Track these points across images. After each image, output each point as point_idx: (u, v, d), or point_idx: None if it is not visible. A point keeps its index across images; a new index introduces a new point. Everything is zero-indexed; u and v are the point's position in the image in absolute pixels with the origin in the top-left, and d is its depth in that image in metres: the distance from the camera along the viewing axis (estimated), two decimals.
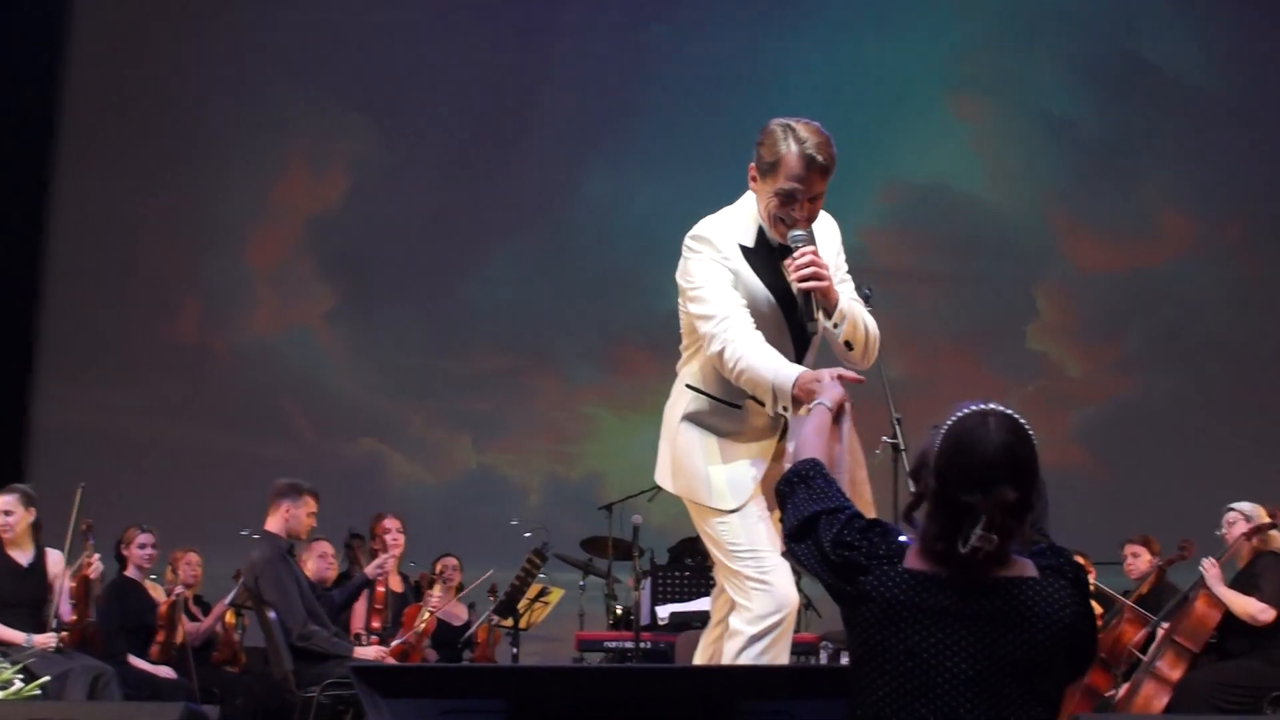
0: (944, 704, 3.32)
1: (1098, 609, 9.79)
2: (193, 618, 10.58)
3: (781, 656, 5.05)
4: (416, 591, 10.65)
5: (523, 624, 10.44)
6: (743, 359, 4.95)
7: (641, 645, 9.87)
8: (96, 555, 9.08)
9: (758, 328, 5.03)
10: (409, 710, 3.99)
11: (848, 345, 5.13)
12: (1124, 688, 8.84)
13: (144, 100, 15.55)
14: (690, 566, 10.70)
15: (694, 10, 15.60)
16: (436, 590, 10.10)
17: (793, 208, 4.97)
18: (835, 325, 5.04)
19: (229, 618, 10.61)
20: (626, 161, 15.36)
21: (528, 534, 10.80)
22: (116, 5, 15.83)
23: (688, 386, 5.51)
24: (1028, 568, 3.43)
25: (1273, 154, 14.79)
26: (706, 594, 8.88)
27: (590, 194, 15.40)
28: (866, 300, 5.99)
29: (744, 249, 5.17)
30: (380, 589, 9.84)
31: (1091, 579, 10.04)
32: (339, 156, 15.47)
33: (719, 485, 5.24)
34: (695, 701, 4.03)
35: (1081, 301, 14.96)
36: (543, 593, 10.63)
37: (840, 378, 4.58)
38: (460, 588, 11.37)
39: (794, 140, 4.94)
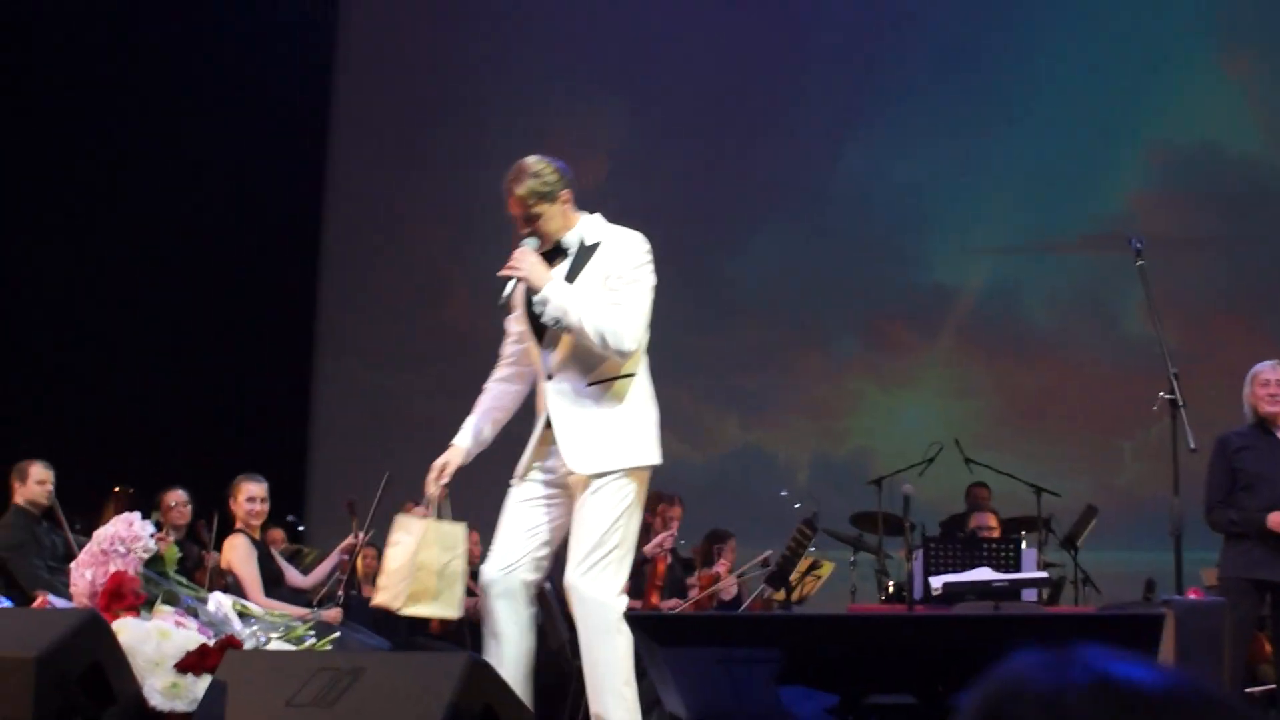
0: None
1: None
2: (471, 594, 10.78)
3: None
4: (686, 566, 10.71)
5: (794, 597, 10.41)
6: None
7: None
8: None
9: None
10: (685, 658, 4.01)
11: (559, 325, 5.81)
12: None
13: (409, 93, 15.94)
14: (963, 538, 10.58)
15: None
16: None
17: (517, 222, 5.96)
18: (540, 311, 5.82)
19: None
20: (885, 133, 15.24)
21: (797, 505, 10.81)
22: (382, 3, 16.24)
23: None
24: None
25: None
26: (981, 564, 8.78)
27: (850, 167, 15.32)
28: (1137, 254, 7.29)
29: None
30: (660, 566, 9.93)
31: None
32: (598, 140, 15.62)
33: None
34: (968, 647, 4.00)
35: None
36: (814, 566, 10.57)
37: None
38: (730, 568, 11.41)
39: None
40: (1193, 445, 7.35)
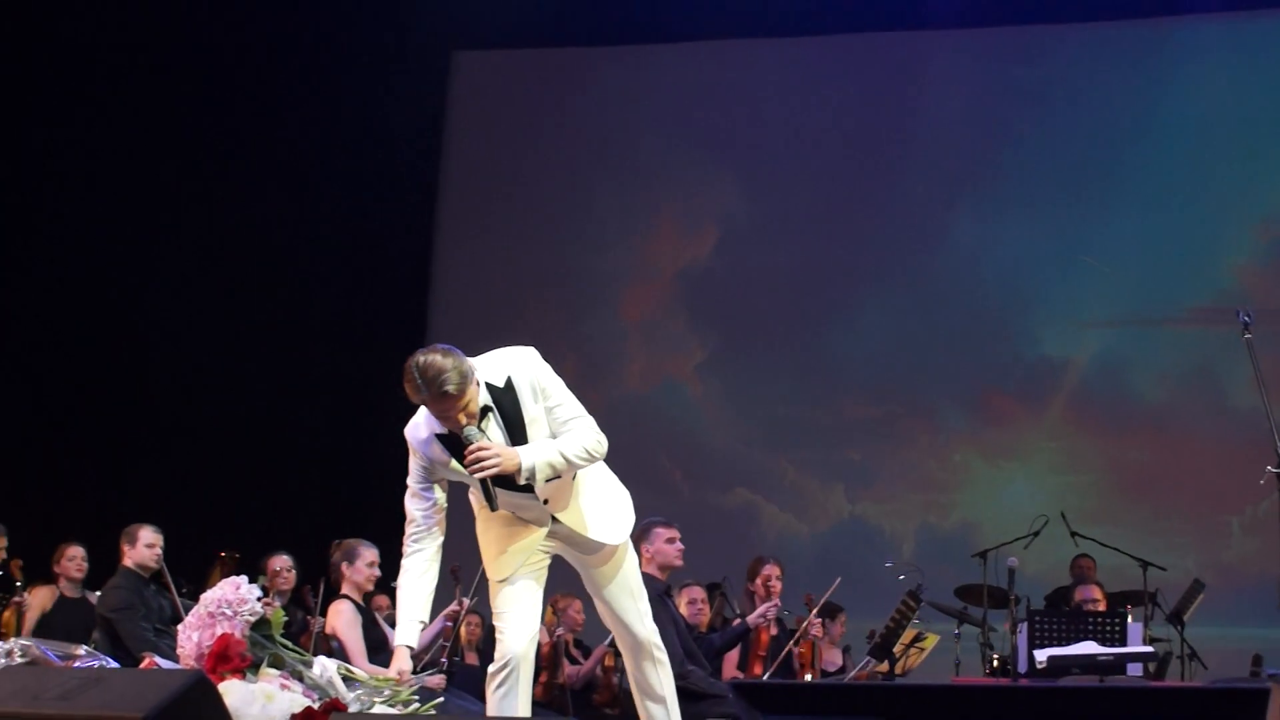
0: None
1: None
2: (573, 660, 10.82)
3: (509, 698, 6.11)
4: (791, 636, 10.69)
5: (898, 669, 10.37)
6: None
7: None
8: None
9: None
10: None
11: (557, 475, 5.96)
12: None
13: (521, 165, 16.10)
14: (1068, 611, 10.50)
15: (1059, 53, 15.43)
16: (818, 623, 10.21)
17: (448, 425, 5.84)
18: (529, 481, 5.88)
19: (609, 660, 10.81)
20: (993, 207, 15.24)
21: (901, 576, 10.78)
22: (492, 73, 16.43)
23: None
24: None
25: None
26: (1087, 638, 8.71)
27: (958, 240, 15.31)
28: (1245, 327, 7.45)
29: (440, 438, 6.00)
30: (764, 636, 9.91)
31: None
32: (707, 211, 15.72)
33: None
34: None
35: None
36: (918, 638, 10.54)
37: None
38: (834, 642, 11.38)
39: (413, 389, 5.79)
40: None
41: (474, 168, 16.32)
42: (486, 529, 6.30)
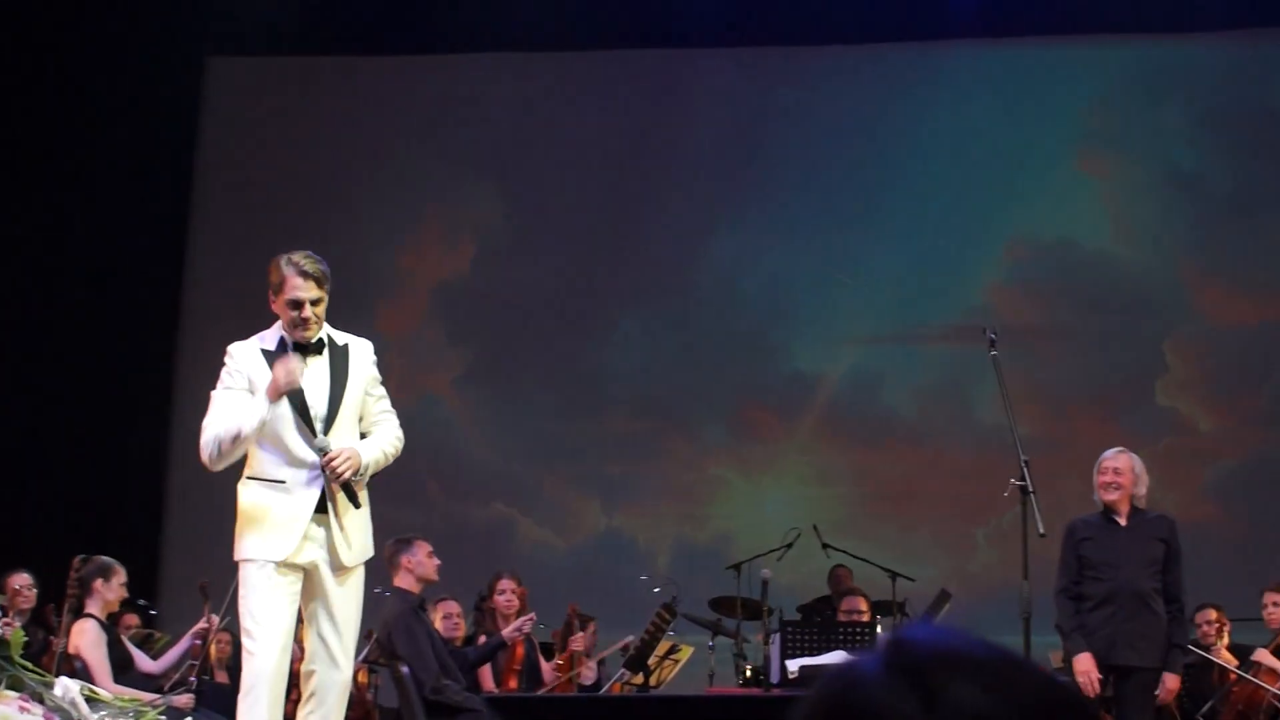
0: None
1: (1233, 661, 9.66)
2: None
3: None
4: (546, 651, 10.69)
5: (653, 681, 10.39)
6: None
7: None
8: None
9: (276, 418, 6.18)
10: None
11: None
12: None
13: (277, 175, 15.88)
14: (819, 622, 10.65)
15: (820, 73, 15.68)
16: (580, 636, 10.24)
17: (302, 310, 6.18)
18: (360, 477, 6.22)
19: (362, 677, 10.69)
20: (753, 224, 15.42)
21: (656, 589, 10.84)
22: (248, 80, 16.19)
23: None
24: None
25: None
26: (837, 648, 8.85)
27: (717, 257, 15.48)
28: (991, 344, 7.79)
29: (264, 352, 6.30)
30: (519, 650, 9.91)
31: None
32: (466, 225, 15.68)
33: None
34: None
35: (1213, 356, 14.77)
36: (673, 650, 10.59)
37: None
38: (588, 653, 11.39)
39: (289, 262, 6.21)
40: (1041, 531, 7.50)
41: (228, 177, 16.03)
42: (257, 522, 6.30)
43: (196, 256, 15.91)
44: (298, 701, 6.42)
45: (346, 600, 6.30)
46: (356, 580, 6.34)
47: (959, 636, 1.55)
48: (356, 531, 6.28)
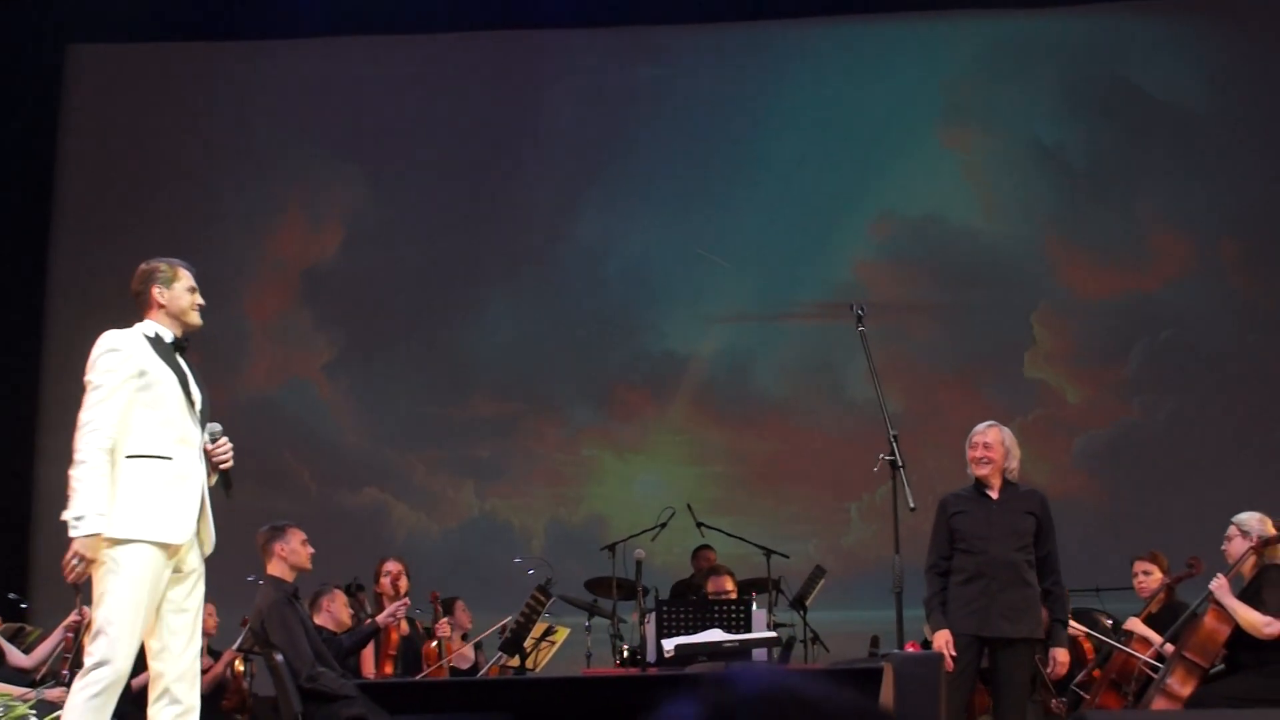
0: None
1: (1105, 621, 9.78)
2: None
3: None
4: (427, 634, 10.64)
5: (529, 664, 10.40)
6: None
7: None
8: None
9: (163, 404, 6.08)
10: None
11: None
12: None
13: (141, 162, 15.65)
14: (694, 601, 10.67)
15: (680, 53, 15.68)
16: (445, 623, 10.18)
17: (197, 294, 6.33)
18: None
19: (238, 665, 10.60)
20: (617, 205, 15.42)
21: (530, 571, 10.81)
22: (109, 67, 15.94)
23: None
24: None
25: (1264, 172, 14.81)
26: (713, 626, 8.87)
27: (582, 238, 15.46)
28: (858, 320, 7.91)
29: (148, 339, 6.22)
30: (395, 635, 9.85)
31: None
32: (333, 208, 15.54)
33: None
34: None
35: (1079, 327, 14.95)
36: (548, 632, 10.59)
37: None
38: (464, 636, 11.35)
39: (184, 266, 6.36)
40: (912, 505, 7.54)
41: (91, 165, 15.78)
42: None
43: (59, 249, 15.63)
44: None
45: (200, 593, 6.19)
46: (202, 571, 6.25)
47: (781, 679, 1.59)
48: (211, 524, 6.21)
